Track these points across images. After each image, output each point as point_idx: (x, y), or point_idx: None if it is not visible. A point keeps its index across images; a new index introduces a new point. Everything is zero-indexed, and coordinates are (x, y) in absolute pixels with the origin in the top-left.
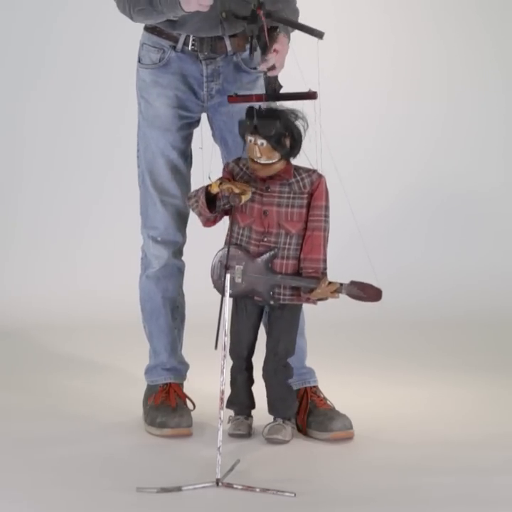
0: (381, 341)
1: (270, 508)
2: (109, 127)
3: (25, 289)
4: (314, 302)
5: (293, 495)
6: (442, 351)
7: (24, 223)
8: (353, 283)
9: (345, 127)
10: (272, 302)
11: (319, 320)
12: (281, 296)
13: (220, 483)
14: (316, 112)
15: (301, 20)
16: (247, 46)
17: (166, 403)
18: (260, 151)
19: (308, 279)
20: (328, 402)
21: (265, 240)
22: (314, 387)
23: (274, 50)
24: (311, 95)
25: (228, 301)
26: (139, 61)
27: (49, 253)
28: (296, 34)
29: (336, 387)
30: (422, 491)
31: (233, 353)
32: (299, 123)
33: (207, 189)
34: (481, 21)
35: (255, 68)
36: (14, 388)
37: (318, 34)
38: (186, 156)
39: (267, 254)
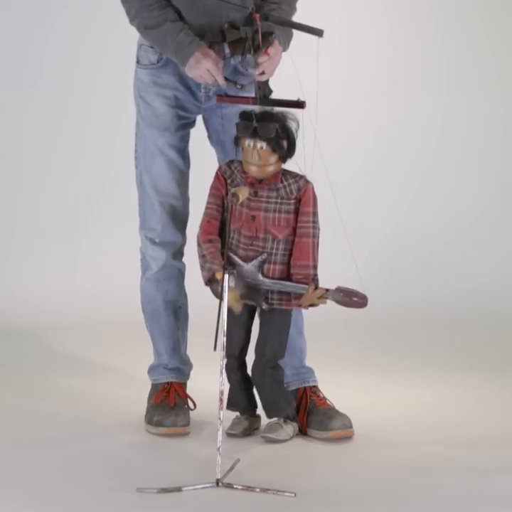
0: (381, 341)
1: (270, 508)
2: (109, 126)
3: (25, 288)
4: (306, 307)
5: (293, 495)
6: (443, 351)
7: (24, 223)
8: (338, 289)
9: (340, 133)
10: (264, 306)
11: (319, 319)
12: (275, 301)
13: (220, 483)
14: (311, 117)
15: (302, 22)
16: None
17: (165, 402)
18: (259, 154)
19: (297, 285)
20: (327, 401)
21: (253, 244)
22: (314, 386)
23: (266, 53)
24: (299, 104)
25: (226, 303)
26: (137, 62)
27: (49, 253)
28: (295, 37)
29: (335, 386)
30: (422, 491)
31: (226, 351)
32: (291, 124)
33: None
34: (484, 30)
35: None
36: (14, 388)
37: (318, 32)
38: (185, 156)
39: (259, 259)
